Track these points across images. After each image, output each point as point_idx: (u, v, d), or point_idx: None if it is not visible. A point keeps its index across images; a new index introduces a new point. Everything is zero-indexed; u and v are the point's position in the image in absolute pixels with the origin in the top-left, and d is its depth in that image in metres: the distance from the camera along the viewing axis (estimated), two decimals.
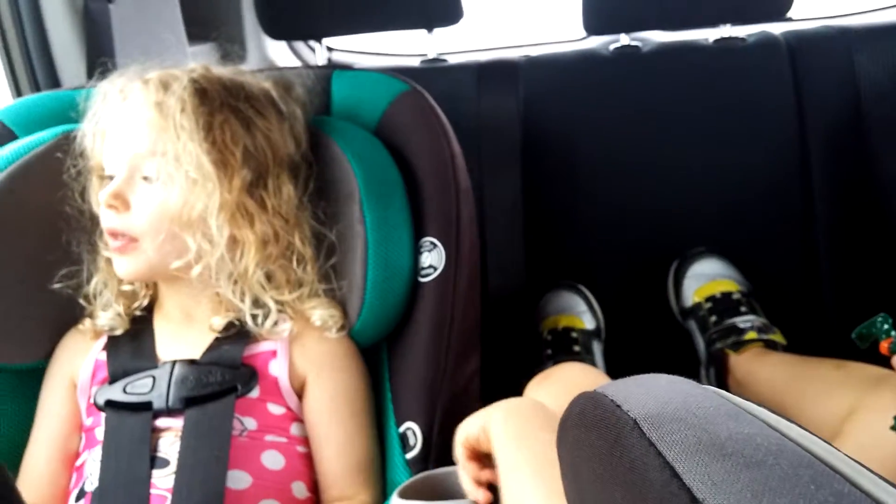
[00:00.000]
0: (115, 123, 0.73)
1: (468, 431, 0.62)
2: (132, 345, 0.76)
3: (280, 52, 1.55)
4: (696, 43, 1.28)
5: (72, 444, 0.75)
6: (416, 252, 0.78)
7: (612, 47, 1.29)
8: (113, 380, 0.73)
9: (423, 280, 0.78)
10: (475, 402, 0.82)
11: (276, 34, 1.32)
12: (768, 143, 1.22)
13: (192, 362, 0.73)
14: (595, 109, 1.25)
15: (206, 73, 0.75)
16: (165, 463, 0.68)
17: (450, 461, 0.70)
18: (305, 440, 0.75)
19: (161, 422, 0.71)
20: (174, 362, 0.73)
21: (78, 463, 0.74)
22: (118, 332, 0.77)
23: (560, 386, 0.82)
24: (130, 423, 0.70)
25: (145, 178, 0.71)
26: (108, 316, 0.77)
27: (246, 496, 0.68)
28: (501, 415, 0.59)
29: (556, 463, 0.37)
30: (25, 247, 0.77)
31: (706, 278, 1.16)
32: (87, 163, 0.77)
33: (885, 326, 0.68)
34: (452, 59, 1.36)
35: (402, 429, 0.76)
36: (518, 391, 1.16)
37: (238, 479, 0.68)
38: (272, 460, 0.71)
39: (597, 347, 1.18)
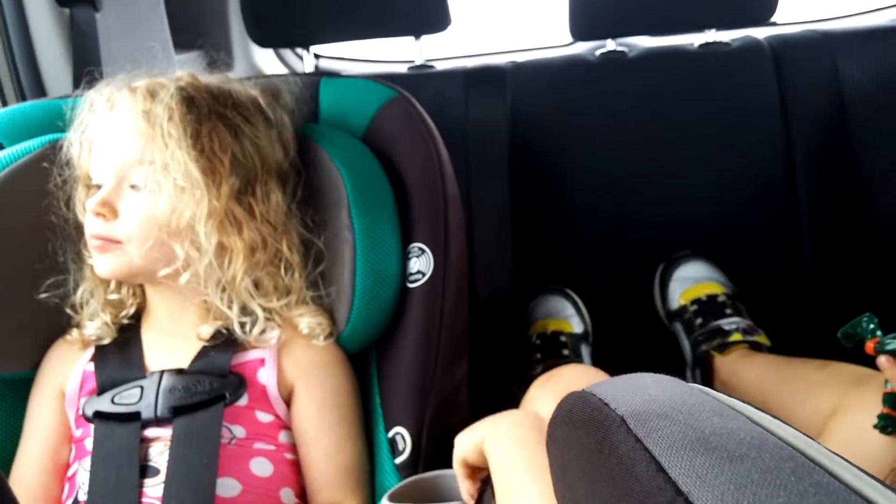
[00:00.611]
0: (103, 132, 0.73)
1: (463, 447, 0.62)
2: (120, 355, 0.76)
3: (267, 60, 1.55)
4: (681, 48, 1.29)
5: (62, 455, 0.75)
6: (405, 258, 0.79)
7: (598, 53, 1.30)
8: (101, 391, 0.73)
9: (411, 286, 0.78)
10: (464, 406, 0.82)
11: (263, 42, 1.32)
12: (753, 146, 1.23)
13: (179, 371, 0.73)
14: (582, 114, 1.26)
15: (193, 81, 0.75)
16: (156, 472, 0.68)
17: (439, 465, 0.70)
18: (293, 447, 0.75)
19: (150, 431, 0.70)
20: (162, 372, 0.72)
21: (69, 473, 0.74)
22: (106, 341, 0.77)
23: (563, 387, 0.82)
24: (119, 434, 0.70)
25: (133, 187, 0.71)
26: (95, 325, 0.77)
27: (235, 503, 0.68)
28: (490, 426, 0.59)
29: (547, 463, 0.37)
30: (12, 256, 0.76)
31: (691, 281, 1.17)
32: (73, 172, 0.77)
33: (871, 326, 0.68)
34: (440, 66, 1.36)
35: (391, 434, 0.76)
36: (507, 396, 1.17)
37: (227, 487, 0.68)
38: (261, 467, 0.71)
39: (585, 351, 1.18)
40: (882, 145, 1.16)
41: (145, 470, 0.68)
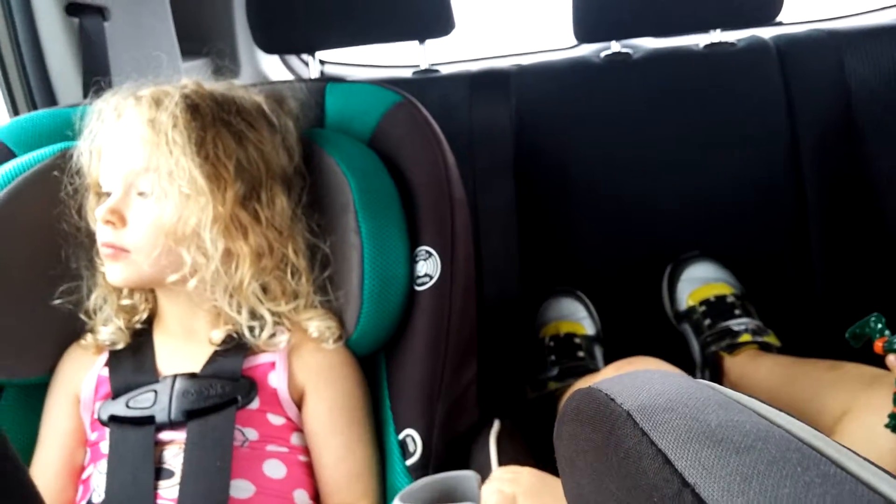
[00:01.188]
0: (110, 141, 0.74)
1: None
2: (133, 360, 0.76)
3: (273, 67, 1.56)
4: (686, 49, 1.29)
5: (77, 458, 0.76)
6: (412, 261, 0.79)
7: (602, 55, 1.30)
8: (116, 395, 0.74)
9: (419, 289, 0.78)
10: (473, 408, 0.82)
11: (268, 48, 1.33)
12: (760, 146, 1.23)
13: (192, 376, 0.73)
14: (587, 116, 1.26)
15: (198, 89, 0.76)
16: (170, 474, 0.69)
17: (449, 466, 0.70)
18: (306, 449, 0.76)
19: (164, 435, 0.71)
20: (175, 376, 0.73)
21: (84, 476, 0.74)
22: (119, 346, 0.77)
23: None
24: (134, 437, 0.70)
25: (140, 194, 0.72)
26: (108, 331, 0.78)
27: None
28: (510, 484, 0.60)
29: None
30: (25, 263, 0.77)
31: (700, 282, 1.16)
32: (84, 180, 0.78)
33: (879, 326, 0.68)
34: (445, 70, 1.37)
35: (401, 436, 0.76)
36: (518, 398, 1.17)
37: (241, 489, 0.69)
38: (274, 469, 0.72)
39: (599, 352, 1.18)
40: (889, 143, 1.16)
41: (160, 472, 0.69)
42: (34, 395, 0.79)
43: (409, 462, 0.75)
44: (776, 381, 0.95)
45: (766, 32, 1.29)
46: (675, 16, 1.22)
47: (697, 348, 1.14)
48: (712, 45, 1.26)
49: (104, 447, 0.72)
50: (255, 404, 0.73)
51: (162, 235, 0.71)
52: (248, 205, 0.74)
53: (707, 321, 1.12)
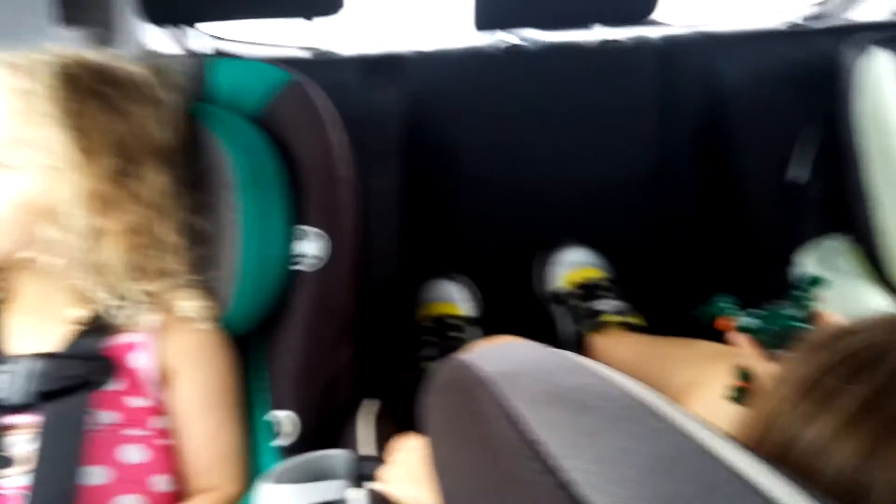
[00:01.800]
0: None
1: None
2: None
3: (161, 40, 1.48)
4: (580, 44, 1.34)
5: None
6: (294, 241, 0.78)
7: (501, 45, 1.33)
8: None
9: (300, 269, 0.78)
10: (348, 388, 0.83)
11: (152, 19, 1.26)
12: (638, 140, 1.30)
13: (47, 356, 0.69)
14: (480, 104, 1.29)
15: (76, 59, 0.72)
16: (8, 462, 0.65)
17: (324, 446, 0.70)
18: (167, 433, 0.73)
19: (10, 419, 0.67)
20: (28, 356, 0.69)
21: None
22: None
23: None
24: None
25: (4, 166, 0.68)
26: None
27: (104, 491, 0.66)
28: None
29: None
30: None
31: (573, 265, 1.22)
32: None
33: (721, 305, 0.75)
34: (341, 53, 1.36)
35: (277, 415, 0.76)
36: (395, 378, 1.18)
37: (95, 475, 0.66)
38: (131, 454, 0.69)
39: (475, 333, 1.21)
40: (754, 139, 1.26)
41: (1, 460, 0.65)
42: None
43: (285, 442, 0.75)
44: (635, 357, 1.02)
45: (654, 32, 1.35)
46: (559, 11, 1.27)
47: (567, 328, 1.19)
48: (605, 41, 1.32)
49: None
50: (113, 386, 0.70)
51: (23, 209, 0.67)
52: (121, 180, 0.70)
53: (576, 302, 1.18)
